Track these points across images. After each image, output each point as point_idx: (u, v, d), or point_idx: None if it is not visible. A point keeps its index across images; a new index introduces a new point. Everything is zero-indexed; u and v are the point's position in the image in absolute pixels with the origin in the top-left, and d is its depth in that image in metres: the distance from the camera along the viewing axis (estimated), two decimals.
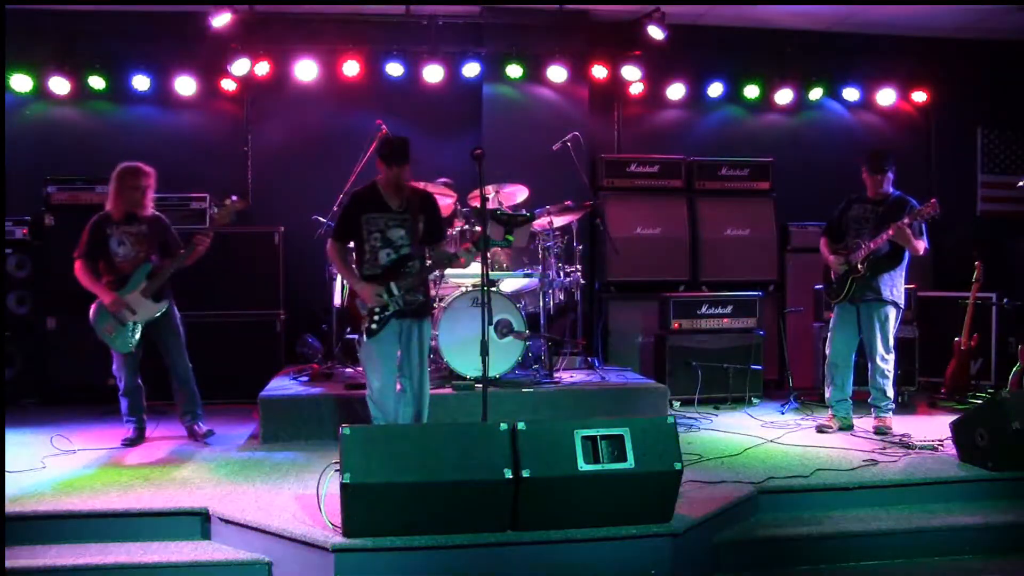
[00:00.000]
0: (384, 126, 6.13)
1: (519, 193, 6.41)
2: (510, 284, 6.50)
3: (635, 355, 7.50)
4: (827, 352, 5.88)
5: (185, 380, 5.48)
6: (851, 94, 8.30)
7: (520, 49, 7.61)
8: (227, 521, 3.96)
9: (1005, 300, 7.10)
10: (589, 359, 6.88)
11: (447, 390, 5.82)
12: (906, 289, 5.75)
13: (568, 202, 6.30)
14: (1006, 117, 8.57)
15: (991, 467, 4.64)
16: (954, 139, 8.62)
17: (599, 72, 7.79)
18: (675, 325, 6.87)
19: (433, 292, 5.93)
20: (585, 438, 3.77)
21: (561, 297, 6.48)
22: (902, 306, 5.67)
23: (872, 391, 5.69)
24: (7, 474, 4.50)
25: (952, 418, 5.14)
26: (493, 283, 5.93)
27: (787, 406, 6.63)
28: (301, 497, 4.20)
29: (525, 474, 3.65)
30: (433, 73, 7.53)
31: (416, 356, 4.75)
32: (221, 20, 7.03)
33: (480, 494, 3.68)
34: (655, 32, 7.37)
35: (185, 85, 7.43)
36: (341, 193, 6.19)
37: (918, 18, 7.80)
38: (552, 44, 7.63)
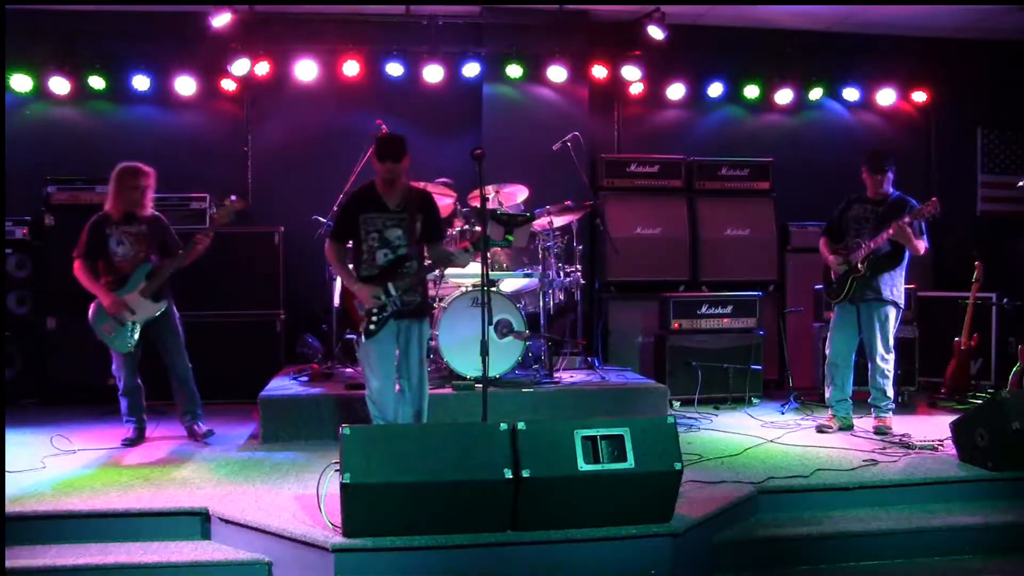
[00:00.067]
0: (384, 126, 6.12)
1: (519, 193, 6.41)
2: (510, 284, 6.50)
3: (635, 355, 7.50)
4: (827, 352, 5.88)
5: (184, 380, 5.48)
6: (851, 94, 8.30)
7: (520, 49, 7.61)
8: (227, 521, 3.95)
9: (1005, 300, 7.10)
10: (589, 359, 6.88)
11: (447, 390, 5.82)
12: (906, 289, 5.75)
13: (568, 202, 6.30)
14: (1006, 117, 8.57)
15: (991, 467, 4.64)
16: (954, 139, 8.62)
17: (599, 72, 7.79)
18: (675, 325, 6.87)
19: (433, 292, 5.94)
20: (585, 438, 3.77)
21: (561, 297, 6.48)
22: (902, 306, 5.67)
23: (872, 391, 5.69)
24: (7, 474, 4.50)
25: (952, 418, 5.14)
26: (493, 283, 5.93)
27: (787, 406, 6.63)
28: (301, 497, 4.20)
29: (525, 474, 3.65)
30: (433, 73, 7.54)
31: (415, 356, 4.74)
32: (221, 20, 7.04)
33: (480, 494, 3.68)
34: (655, 32, 7.37)
35: (185, 85, 7.43)
36: (341, 193, 6.19)
37: (918, 18, 7.80)
38: (552, 44, 7.63)
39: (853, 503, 4.45)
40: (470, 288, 5.91)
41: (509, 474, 3.64)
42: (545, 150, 6.72)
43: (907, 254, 5.59)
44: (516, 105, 7.82)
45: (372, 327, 4.63)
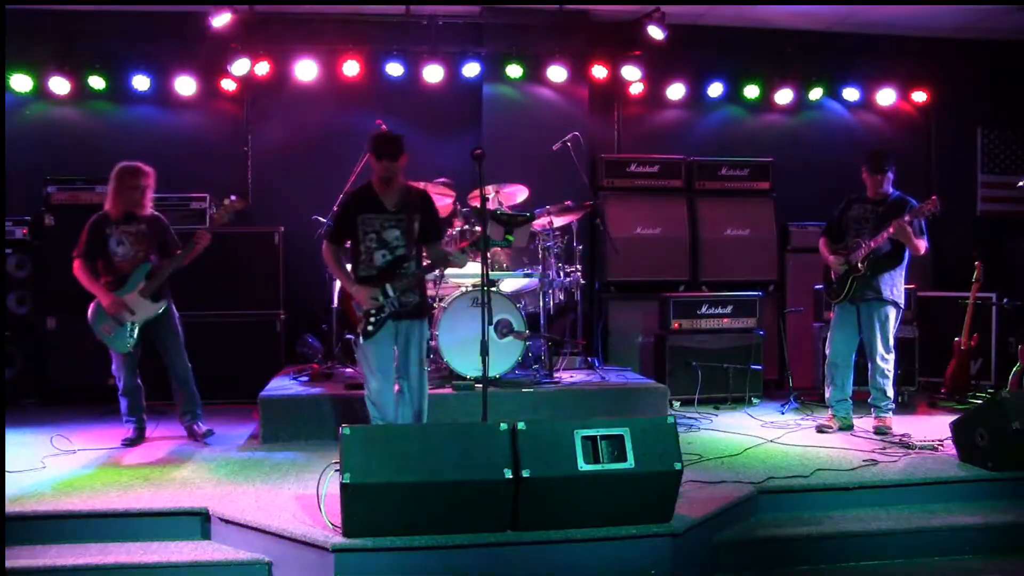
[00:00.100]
0: (384, 126, 6.12)
1: (519, 193, 6.41)
2: (510, 284, 6.50)
3: (635, 355, 7.50)
4: (827, 352, 5.88)
5: (184, 380, 5.48)
6: (851, 94, 8.30)
7: (520, 49, 7.61)
8: (227, 521, 3.96)
9: (1005, 300, 7.10)
10: (589, 359, 6.88)
11: (447, 390, 5.82)
12: (906, 289, 5.75)
13: (568, 202, 6.30)
14: (1006, 117, 8.57)
15: (991, 467, 4.64)
16: (954, 139, 8.62)
17: (599, 72, 7.79)
18: (675, 325, 6.87)
19: (433, 292, 5.94)
20: (585, 438, 3.77)
21: (561, 297, 6.48)
22: (902, 306, 5.67)
23: (872, 391, 5.69)
24: (7, 474, 4.50)
25: (952, 418, 5.14)
26: (493, 283, 5.93)
27: (787, 406, 6.63)
28: (301, 497, 4.20)
29: (525, 474, 3.65)
30: (433, 73, 7.54)
31: (414, 357, 4.73)
32: (221, 20, 7.04)
33: (480, 494, 3.68)
34: (655, 32, 7.37)
35: (185, 85, 7.43)
36: (341, 193, 6.19)
37: (918, 18, 7.80)
38: (552, 44, 7.63)
39: (853, 503, 4.45)
40: (470, 288, 5.91)
41: (509, 474, 3.64)
42: (545, 150, 6.72)
43: (907, 254, 5.59)
44: (516, 105, 7.82)
45: (370, 328, 4.63)
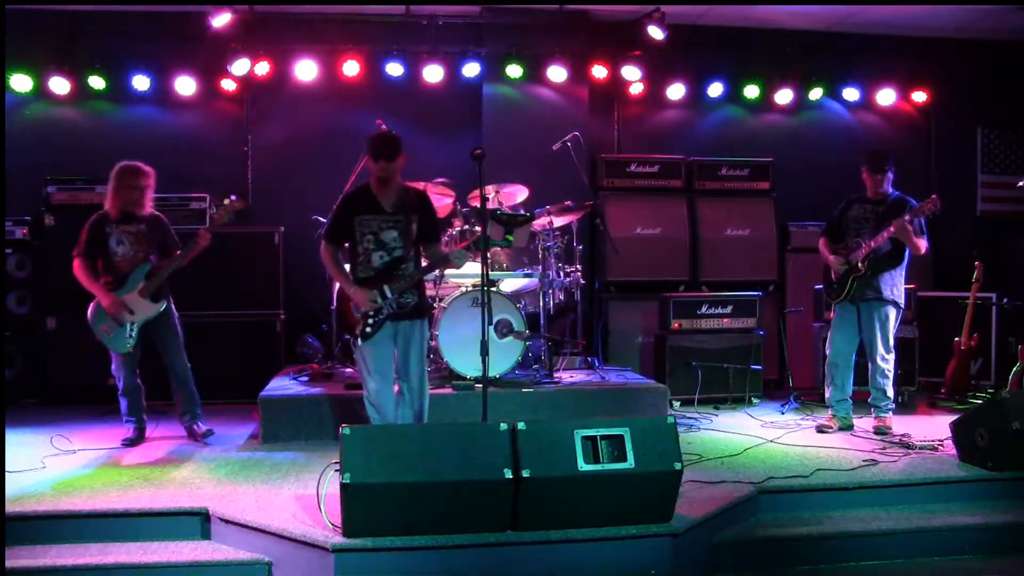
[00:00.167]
0: (384, 126, 6.11)
1: (519, 193, 6.41)
2: (510, 284, 6.50)
3: (635, 355, 7.50)
4: (827, 352, 5.89)
5: (184, 380, 5.48)
6: (851, 94, 8.30)
7: (520, 49, 7.61)
8: (227, 521, 3.95)
9: (1005, 300, 7.11)
10: (589, 359, 6.88)
11: (447, 390, 5.82)
12: (906, 289, 5.75)
13: (568, 202, 6.30)
14: (1006, 117, 8.57)
15: (991, 467, 4.64)
16: (954, 139, 8.62)
17: (599, 72, 7.79)
18: (675, 325, 6.87)
19: (433, 292, 5.94)
20: (585, 438, 3.77)
21: (561, 297, 6.48)
22: (902, 306, 5.67)
23: (872, 391, 5.69)
24: (7, 474, 4.50)
25: (952, 418, 5.14)
26: (493, 283, 5.93)
27: (787, 406, 6.63)
28: (301, 497, 4.20)
29: (525, 474, 3.65)
30: (433, 73, 7.54)
31: (414, 357, 4.72)
32: (221, 20, 7.03)
33: (480, 494, 3.68)
34: (655, 32, 7.37)
35: (185, 85, 7.43)
36: (341, 193, 6.19)
37: (918, 18, 7.80)
38: (552, 44, 7.63)
39: (853, 503, 4.45)
40: (470, 288, 5.91)
41: (509, 474, 3.64)
42: (545, 150, 6.72)
43: (907, 254, 5.60)
44: (516, 105, 7.82)
45: (368, 330, 4.62)
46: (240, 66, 7.26)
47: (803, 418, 6.24)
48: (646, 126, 8.31)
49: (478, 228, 5.52)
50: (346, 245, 4.79)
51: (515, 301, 6.02)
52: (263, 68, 7.43)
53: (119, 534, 3.97)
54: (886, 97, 8.34)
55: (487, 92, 7.78)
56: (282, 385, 6.15)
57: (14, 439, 5.43)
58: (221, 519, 3.98)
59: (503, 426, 3.75)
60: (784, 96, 8.13)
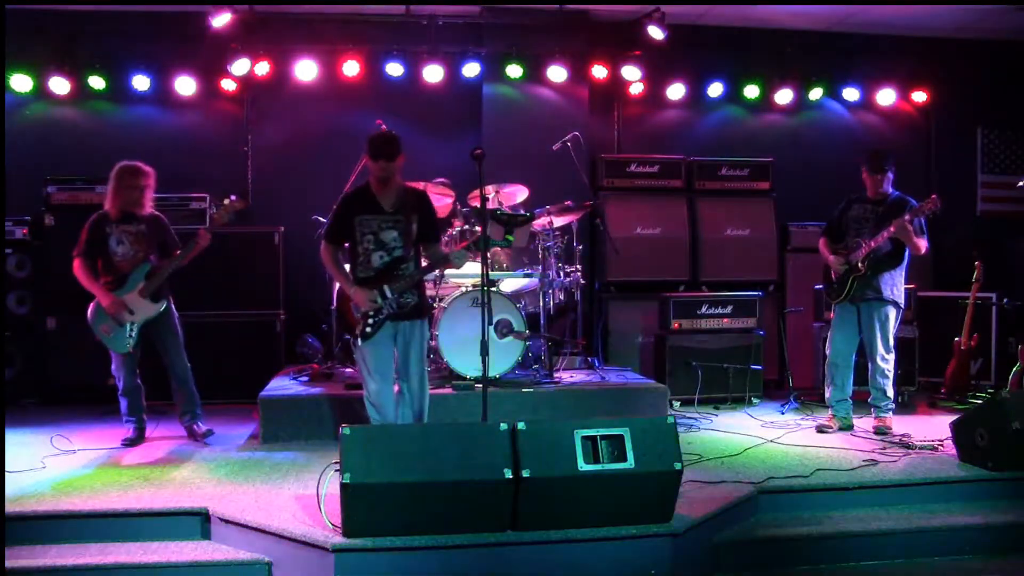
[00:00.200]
0: (384, 126, 6.11)
1: (519, 193, 6.41)
2: (510, 284, 6.50)
3: (635, 355, 7.50)
4: (827, 352, 5.88)
5: (184, 380, 5.48)
6: (851, 94, 8.30)
7: (520, 49, 7.61)
8: (227, 521, 3.95)
9: (1005, 300, 7.11)
10: (589, 359, 6.88)
11: (447, 390, 5.82)
12: (906, 289, 5.75)
13: (568, 202, 6.30)
14: (1006, 117, 8.57)
15: (991, 467, 4.64)
16: (954, 139, 8.62)
17: (599, 72, 7.79)
18: (675, 325, 6.87)
19: (433, 292, 5.94)
20: (585, 438, 3.77)
21: (561, 297, 6.48)
22: (902, 306, 5.67)
23: (872, 391, 5.69)
24: (7, 474, 4.50)
25: (952, 418, 5.14)
26: (493, 283, 5.93)
27: (787, 406, 6.63)
28: (301, 497, 4.20)
29: (525, 474, 3.64)
30: (433, 73, 7.54)
31: (414, 357, 4.72)
32: (221, 20, 7.03)
33: (480, 494, 3.68)
34: (655, 32, 7.37)
35: (185, 85, 7.43)
36: (341, 193, 6.19)
37: (918, 18, 7.80)
38: (552, 44, 7.63)
39: (853, 503, 4.45)
40: (470, 288, 5.91)
41: (509, 474, 3.64)
42: (545, 150, 6.72)
43: (907, 254, 5.60)
44: (516, 105, 7.82)
45: (368, 330, 4.62)
46: (240, 66, 7.26)
47: (803, 418, 6.24)
48: (646, 126, 8.31)
49: (478, 228, 5.52)
50: (346, 245, 4.79)
51: (515, 301, 6.02)
52: (263, 68, 7.43)
53: (119, 534, 3.97)
54: (886, 97, 8.34)
55: (487, 92, 7.78)
56: (282, 385, 6.15)
57: (14, 439, 5.43)
58: (221, 519, 3.98)
59: (503, 426, 3.75)
60: (784, 96, 8.13)
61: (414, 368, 4.72)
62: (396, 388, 4.80)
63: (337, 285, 6.35)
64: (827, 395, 5.88)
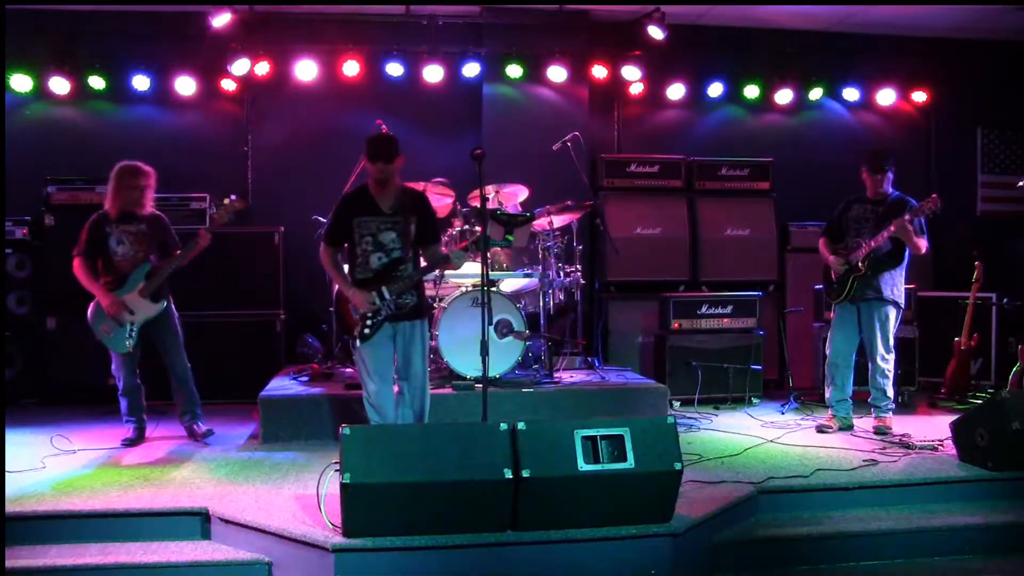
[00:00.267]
0: (384, 126, 6.12)
1: (519, 193, 6.41)
2: (510, 284, 6.50)
3: (635, 355, 7.50)
4: (827, 352, 5.88)
5: (184, 380, 5.48)
6: (851, 94, 8.30)
7: (520, 49, 7.61)
8: (227, 521, 3.95)
9: (1005, 300, 7.11)
10: (589, 359, 6.88)
11: (447, 390, 5.82)
12: (906, 289, 5.75)
13: (568, 202, 6.30)
14: (1006, 117, 8.57)
15: (991, 467, 4.64)
16: (954, 139, 8.62)
17: (599, 72, 7.79)
18: (675, 325, 6.87)
19: (433, 292, 5.94)
20: (585, 438, 3.77)
21: (561, 297, 6.48)
22: (902, 306, 5.67)
23: (872, 391, 5.69)
24: (7, 474, 4.50)
25: (952, 418, 5.14)
26: (493, 283, 5.93)
27: (787, 406, 6.63)
28: (301, 497, 4.20)
29: (525, 474, 3.64)
30: (433, 73, 7.54)
31: (414, 357, 4.72)
32: (221, 20, 7.04)
33: (480, 494, 3.68)
34: (655, 32, 7.37)
35: (185, 85, 7.43)
36: (341, 194, 6.19)
37: (918, 18, 7.80)
38: (552, 44, 7.63)
39: (853, 503, 4.45)
40: (470, 288, 5.91)
41: (509, 474, 3.64)
42: (545, 150, 6.72)
43: (907, 253, 5.60)
44: (516, 105, 7.82)
45: (366, 331, 4.62)
46: (240, 66, 7.26)
47: (803, 418, 6.24)
48: (646, 126, 8.31)
49: (478, 228, 5.51)
50: (346, 246, 4.79)
51: (515, 301, 6.02)
52: (263, 68, 7.43)
53: (119, 534, 3.97)
54: (886, 97, 8.34)
55: (487, 92, 7.78)
56: (282, 385, 6.15)
57: (14, 439, 5.43)
58: (221, 519, 3.98)
59: (503, 426, 3.75)
60: (784, 96, 8.13)
61: (414, 368, 4.72)
62: (396, 389, 4.80)
63: (336, 286, 6.34)
64: (827, 395, 5.87)
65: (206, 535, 4.03)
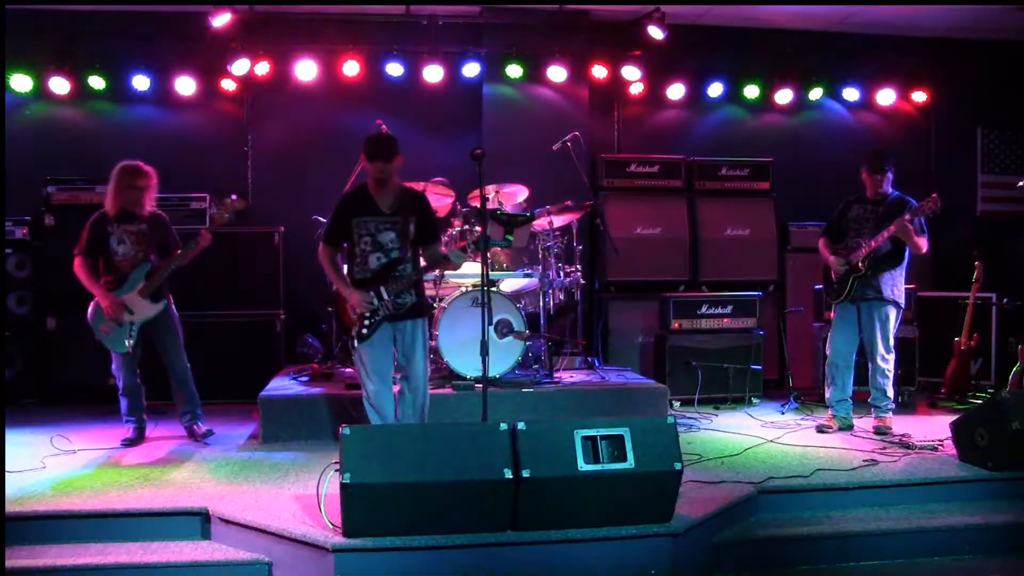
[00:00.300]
0: (384, 126, 6.12)
1: (519, 193, 6.40)
2: (510, 284, 6.50)
3: (635, 355, 7.50)
4: (827, 352, 5.88)
5: (184, 380, 5.47)
6: (851, 94, 8.30)
7: (520, 49, 7.61)
8: (227, 521, 3.95)
9: (1005, 300, 7.11)
10: (589, 359, 6.88)
11: (447, 390, 5.82)
12: (906, 289, 5.75)
13: (568, 202, 6.30)
14: (1006, 117, 8.57)
15: (991, 467, 4.64)
16: (954, 139, 8.62)
17: (599, 72, 7.79)
18: (675, 325, 6.87)
19: (433, 292, 5.94)
20: (585, 438, 3.77)
21: (561, 297, 6.48)
22: (902, 305, 5.67)
23: (872, 391, 5.69)
24: (7, 474, 4.50)
25: (952, 418, 5.13)
26: (493, 283, 5.93)
27: (787, 406, 6.63)
28: (301, 497, 4.20)
29: (525, 474, 3.64)
30: (433, 73, 7.53)
31: (414, 357, 4.72)
32: (221, 20, 7.03)
33: (480, 494, 3.68)
34: (655, 32, 7.37)
35: (185, 85, 7.43)
36: (341, 194, 6.19)
37: (918, 18, 7.80)
38: (552, 44, 7.63)
39: (853, 503, 4.45)
40: (470, 288, 5.91)
41: (509, 474, 3.64)
42: (545, 150, 6.71)
43: (908, 253, 5.60)
44: (516, 105, 7.82)
45: (365, 331, 4.62)
46: (240, 66, 7.26)
47: (803, 418, 6.24)
48: (646, 126, 8.31)
49: (478, 228, 5.51)
50: (345, 246, 4.79)
51: (515, 301, 6.02)
52: (263, 68, 7.42)
53: (119, 534, 3.97)
54: (886, 97, 8.34)
55: (487, 92, 7.78)
56: (282, 385, 6.15)
57: (14, 439, 5.43)
58: (221, 519, 3.98)
59: (503, 426, 3.75)
60: (784, 96, 8.13)
61: (414, 368, 4.72)
62: (396, 388, 4.79)
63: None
64: (827, 395, 5.87)
65: (206, 535, 4.03)
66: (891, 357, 5.63)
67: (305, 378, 6.31)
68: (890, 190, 5.65)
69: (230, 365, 6.77)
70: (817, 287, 6.87)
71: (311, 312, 7.24)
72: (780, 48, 8.09)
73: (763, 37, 8.13)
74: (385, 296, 4.59)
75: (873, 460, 4.88)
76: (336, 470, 3.62)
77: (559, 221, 6.36)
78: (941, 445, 5.21)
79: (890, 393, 5.65)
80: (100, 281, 5.22)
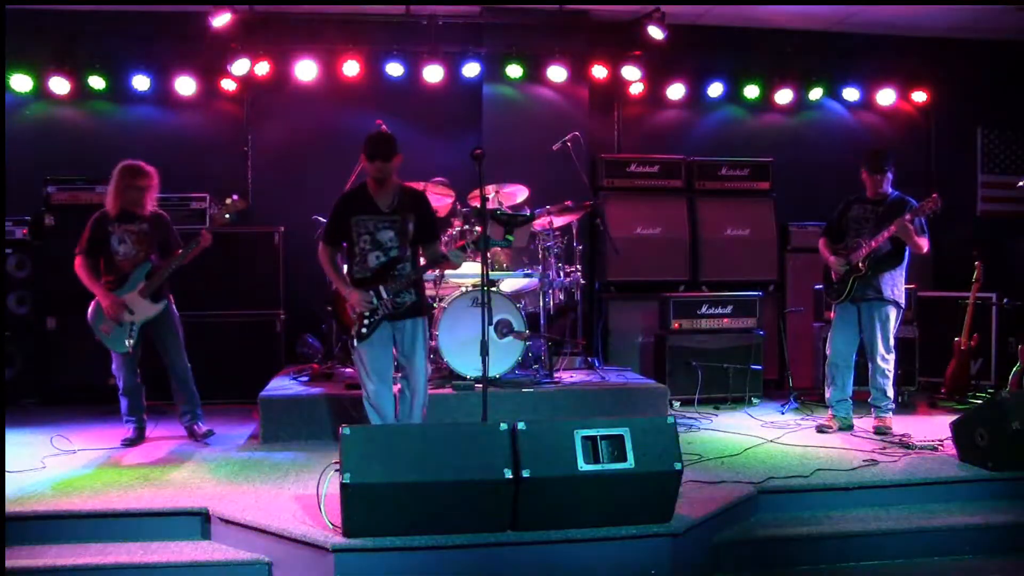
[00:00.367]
0: (384, 126, 6.11)
1: (519, 193, 6.40)
2: (510, 284, 6.50)
3: (635, 355, 7.50)
4: (827, 352, 5.88)
5: (184, 380, 5.47)
6: (851, 94, 8.30)
7: (520, 49, 7.61)
8: (227, 521, 3.95)
9: (1005, 300, 7.11)
10: (589, 359, 6.88)
11: (447, 390, 5.82)
12: (906, 289, 5.75)
13: (568, 202, 6.30)
14: (1006, 117, 8.57)
15: (991, 467, 4.64)
16: (954, 139, 8.62)
17: (599, 72, 7.79)
18: (675, 325, 6.87)
19: (433, 292, 5.93)
20: (585, 438, 3.77)
21: (561, 297, 6.48)
22: (903, 305, 5.67)
23: (872, 391, 5.69)
24: (7, 474, 4.50)
25: (952, 418, 5.13)
26: (493, 283, 5.93)
27: (787, 406, 6.63)
28: (301, 497, 4.20)
29: (525, 474, 3.64)
30: (433, 73, 7.53)
31: (414, 356, 4.72)
32: (221, 20, 7.03)
33: (480, 494, 3.68)
34: (655, 32, 7.37)
35: (185, 85, 7.43)
36: (341, 193, 6.19)
37: (918, 18, 7.80)
38: (552, 44, 7.63)
39: (853, 503, 4.45)
40: (470, 288, 5.91)
41: (509, 474, 3.64)
42: (545, 150, 6.71)
43: (908, 253, 5.60)
44: (516, 105, 7.82)
45: (364, 331, 4.62)
46: (240, 66, 7.26)
47: (803, 418, 6.25)
48: (646, 126, 8.31)
49: (478, 228, 5.51)
50: (344, 246, 4.79)
51: (515, 301, 6.02)
52: (263, 68, 7.42)
53: (119, 534, 3.97)
54: (886, 97, 8.34)
55: (487, 92, 7.78)
56: (282, 385, 6.15)
57: (14, 439, 5.43)
58: (221, 519, 3.98)
59: (503, 426, 3.75)
60: (784, 96, 8.14)
61: (414, 368, 4.72)
62: (396, 388, 4.79)
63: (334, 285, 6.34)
64: (827, 395, 5.87)
65: (206, 535, 4.03)
66: (891, 357, 5.63)
67: (305, 378, 6.32)
68: (890, 190, 5.65)
69: (230, 365, 6.78)
70: (817, 287, 6.87)
71: (311, 312, 7.24)
72: (780, 48, 8.10)
73: (763, 37, 8.13)
74: (384, 295, 4.59)
75: (873, 460, 4.88)
76: (336, 470, 3.62)
77: (559, 221, 6.37)
78: (941, 445, 5.21)
79: (890, 393, 5.65)
80: (101, 281, 5.22)
